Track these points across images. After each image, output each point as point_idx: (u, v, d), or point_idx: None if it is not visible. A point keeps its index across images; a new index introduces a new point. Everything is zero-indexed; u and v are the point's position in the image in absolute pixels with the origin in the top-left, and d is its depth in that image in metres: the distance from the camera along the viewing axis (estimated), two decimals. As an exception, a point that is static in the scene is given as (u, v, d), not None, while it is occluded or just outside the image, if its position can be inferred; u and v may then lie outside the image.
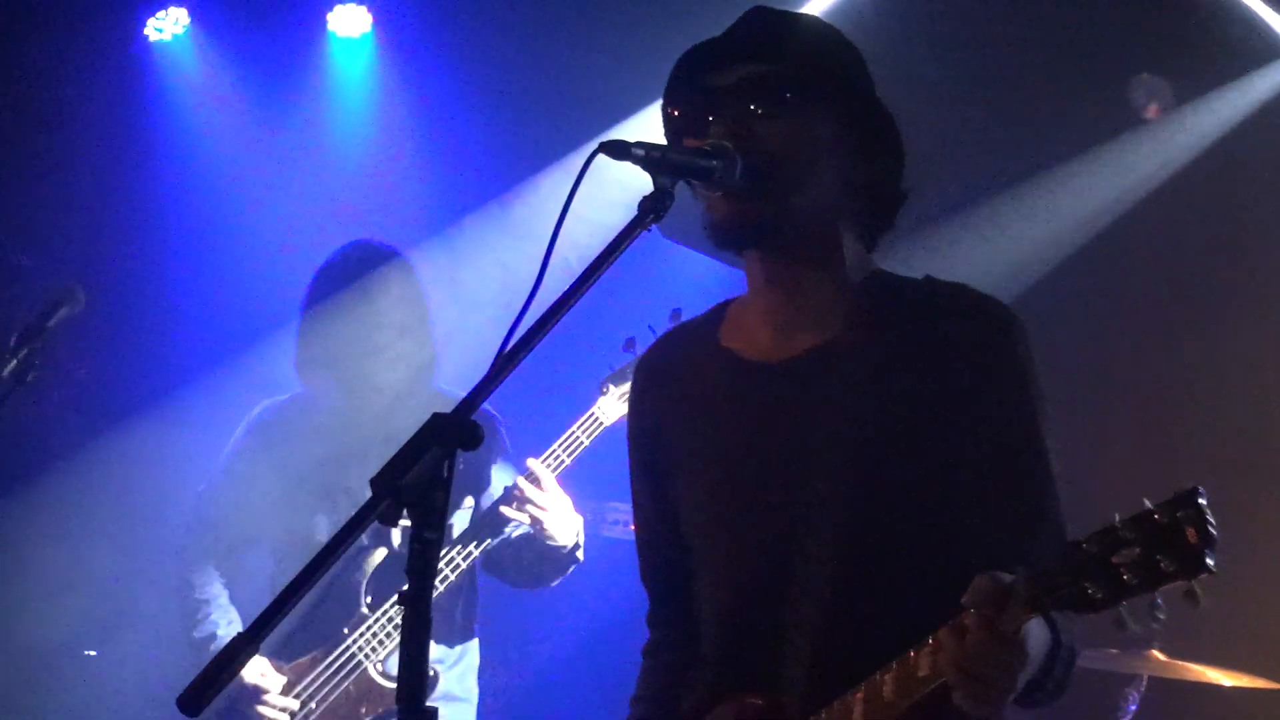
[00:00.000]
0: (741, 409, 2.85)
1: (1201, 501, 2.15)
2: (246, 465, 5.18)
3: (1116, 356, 7.10)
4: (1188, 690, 5.97)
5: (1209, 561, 2.14)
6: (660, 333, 4.69)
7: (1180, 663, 5.69)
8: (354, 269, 5.10)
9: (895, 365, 2.75)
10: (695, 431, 2.91)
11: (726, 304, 3.02)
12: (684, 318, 4.63)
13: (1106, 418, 6.98)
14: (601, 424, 5.00)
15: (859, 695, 2.57)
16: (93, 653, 7.03)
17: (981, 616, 2.34)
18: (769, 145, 2.72)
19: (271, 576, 5.10)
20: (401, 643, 2.15)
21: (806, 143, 2.77)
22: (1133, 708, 5.79)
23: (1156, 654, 5.68)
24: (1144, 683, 5.77)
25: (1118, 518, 2.21)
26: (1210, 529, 2.14)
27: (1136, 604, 2.21)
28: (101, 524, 7.17)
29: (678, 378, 2.99)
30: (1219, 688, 5.77)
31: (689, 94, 2.82)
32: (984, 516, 2.71)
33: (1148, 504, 2.19)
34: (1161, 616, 2.18)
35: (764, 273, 2.87)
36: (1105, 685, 5.88)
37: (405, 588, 2.15)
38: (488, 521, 4.96)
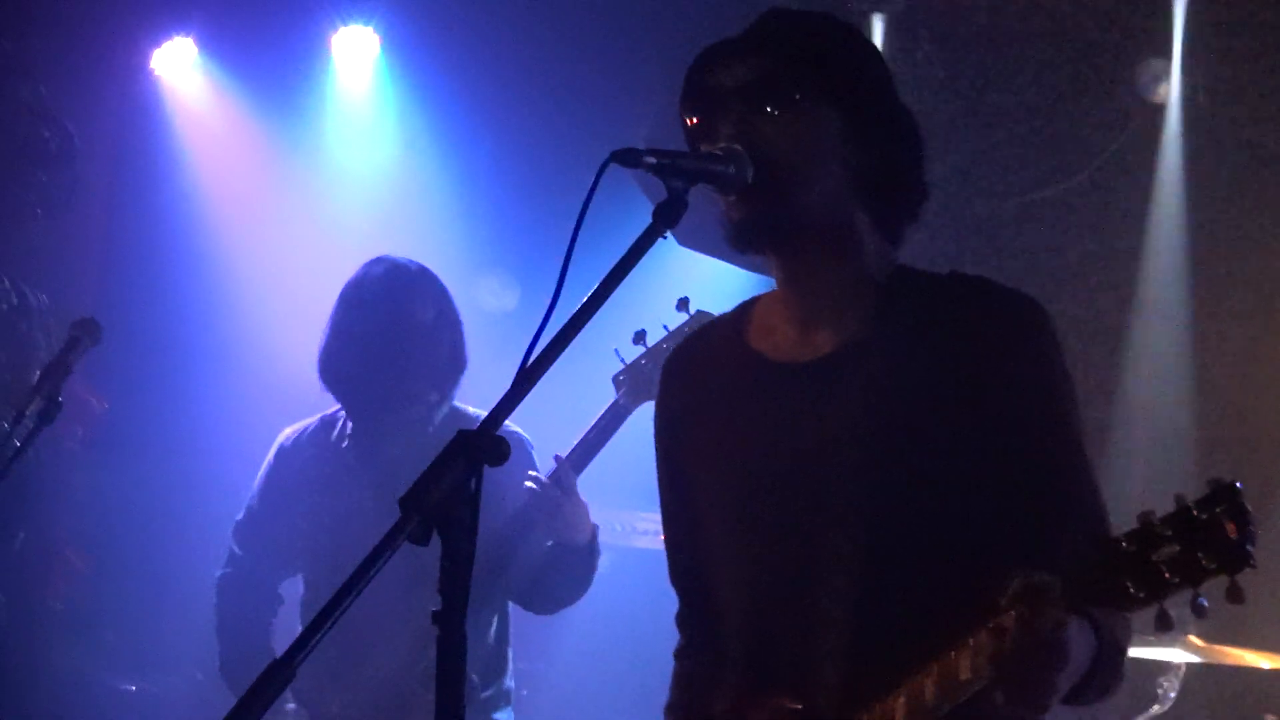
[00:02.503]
0: (765, 410, 2.83)
1: (1239, 496, 2.12)
2: (278, 493, 5.14)
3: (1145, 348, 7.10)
4: (1227, 674, 5.95)
5: (1251, 557, 2.11)
6: (671, 326, 4.70)
7: (1218, 647, 5.67)
8: (383, 286, 5.00)
9: (918, 363, 2.72)
10: (719, 432, 2.89)
11: (755, 300, 2.99)
12: (690, 307, 4.63)
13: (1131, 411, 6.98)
14: (621, 418, 4.90)
15: (900, 699, 2.54)
16: (132, 687, 7.04)
17: (1020, 617, 2.31)
18: (779, 145, 2.70)
19: (303, 602, 5.07)
20: (438, 663, 2.15)
21: (816, 141, 2.74)
22: (1173, 694, 5.77)
23: (1194, 639, 5.65)
24: (1183, 669, 5.75)
25: (1156, 515, 2.17)
26: (1249, 524, 2.11)
27: (1178, 598, 2.17)
28: (126, 559, 7.18)
29: (703, 377, 2.97)
30: (1259, 670, 5.75)
31: (699, 98, 2.80)
32: (1016, 513, 2.67)
33: (1185, 500, 2.15)
34: (1205, 612, 2.15)
35: (784, 273, 2.85)
36: (1145, 673, 5.86)
37: (437, 608, 2.15)
38: (514, 527, 4.83)
